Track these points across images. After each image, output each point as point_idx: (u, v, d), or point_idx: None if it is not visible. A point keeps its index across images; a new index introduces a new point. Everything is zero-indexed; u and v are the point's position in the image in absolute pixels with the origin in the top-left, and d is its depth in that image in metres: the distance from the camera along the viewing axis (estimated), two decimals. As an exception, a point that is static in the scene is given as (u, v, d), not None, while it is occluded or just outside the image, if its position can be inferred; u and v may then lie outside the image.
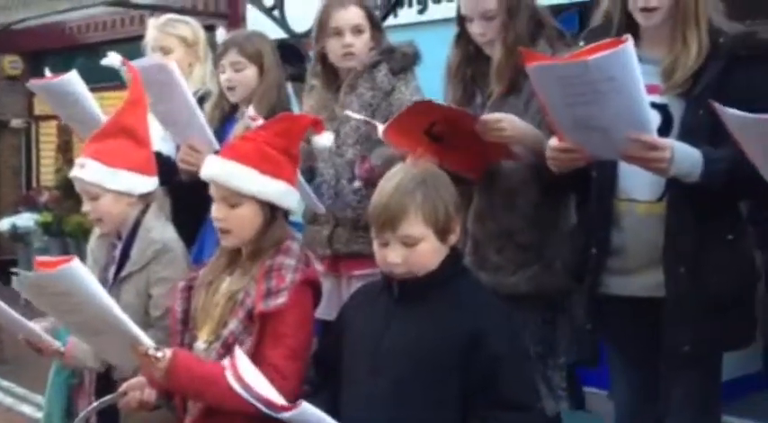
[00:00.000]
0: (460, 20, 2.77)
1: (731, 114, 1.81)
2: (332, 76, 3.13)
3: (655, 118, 2.23)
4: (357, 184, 3.01)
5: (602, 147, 2.18)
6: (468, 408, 2.06)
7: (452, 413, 2.05)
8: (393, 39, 3.26)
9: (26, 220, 10.18)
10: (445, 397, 2.06)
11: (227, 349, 2.22)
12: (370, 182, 2.79)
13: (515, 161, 2.59)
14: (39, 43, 11.06)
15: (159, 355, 2.15)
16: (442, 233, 2.12)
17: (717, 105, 1.83)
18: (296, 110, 3.51)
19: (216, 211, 2.33)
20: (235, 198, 2.30)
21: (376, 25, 3.13)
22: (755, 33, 2.30)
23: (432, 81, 2.97)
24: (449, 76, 2.83)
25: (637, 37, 2.30)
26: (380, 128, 2.57)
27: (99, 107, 3.23)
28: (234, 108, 3.34)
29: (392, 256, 2.12)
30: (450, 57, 2.83)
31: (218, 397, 2.12)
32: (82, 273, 2.08)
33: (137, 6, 7.38)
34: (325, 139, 2.54)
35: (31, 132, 12.45)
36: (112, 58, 3.08)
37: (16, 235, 10.14)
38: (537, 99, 2.51)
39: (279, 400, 1.99)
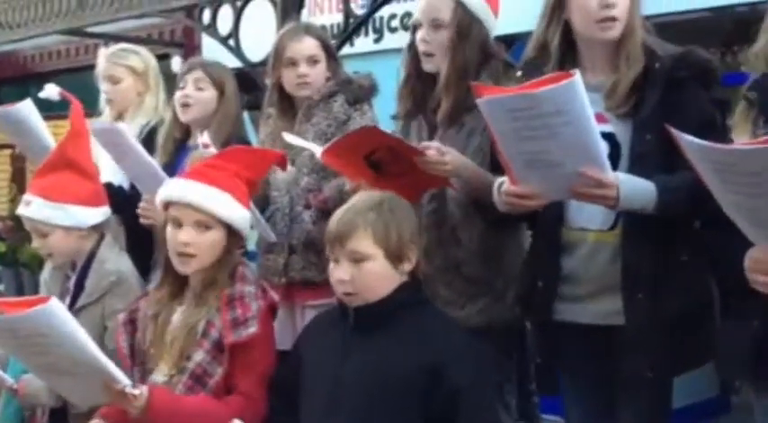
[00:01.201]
0: (414, 28, 2.76)
1: (688, 141, 1.76)
2: (288, 105, 3.15)
3: (602, 144, 2.20)
4: (311, 213, 3.01)
5: (553, 186, 2.16)
6: None
7: None
8: (349, 67, 3.29)
9: (-20, 249, 10.03)
10: None
11: (196, 381, 2.24)
12: (325, 212, 2.79)
13: (451, 189, 2.58)
14: (-8, 72, 10.99)
15: (136, 392, 2.15)
16: (393, 257, 2.12)
17: (673, 131, 1.79)
18: (253, 138, 3.53)
19: (184, 234, 2.30)
20: (209, 222, 2.30)
21: (332, 55, 3.16)
22: (693, 52, 2.28)
23: (386, 109, 2.98)
24: (398, 89, 2.83)
25: (576, 65, 2.31)
26: (318, 150, 2.56)
27: (52, 136, 3.23)
28: (186, 136, 3.35)
29: (339, 272, 2.13)
30: (402, 67, 2.82)
31: None
32: (61, 313, 2.06)
33: (91, 35, 7.36)
34: (288, 175, 2.55)
35: (-18, 161, 12.32)
36: (50, 90, 3.09)
37: (-30, 265, 9.97)
38: (478, 137, 2.55)
39: None
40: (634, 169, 2.22)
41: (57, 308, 2.05)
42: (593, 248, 2.32)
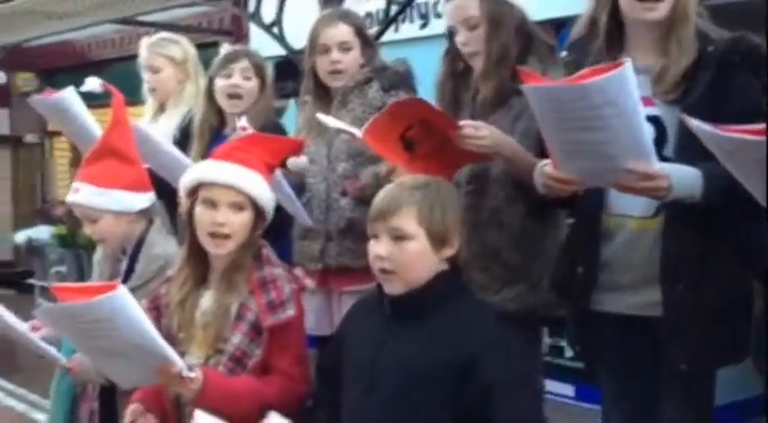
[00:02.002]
0: (450, 34, 2.78)
1: (697, 127, 1.74)
2: (323, 91, 3.18)
3: (648, 131, 2.13)
4: (347, 200, 3.04)
5: (597, 175, 2.11)
6: None
7: None
8: (394, 54, 3.31)
9: (41, 232, 10.34)
10: (438, 419, 2.03)
11: (237, 362, 2.31)
12: (362, 200, 2.84)
13: (493, 164, 2.56)
14: (51, 61, 11.24)
15: (193, 375, 2.20)
16: (436, 240, 2.09)
17: (685, 117, 1.76)
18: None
19: (220, 215, 2.32)
20: (244, 203, 2.34)
21: (366, 42, 3.17)
22: (745, 38, 2.20)
23: (431, 95, 2.94)
24: (436, 91, 2.86)
25: (622, 45, 2.28)
26: (359, 132, 2.57)
27: (99, 124, 3.31)
28: (221, 123, 3.42)
29: (378, 248, 2.10)
30: (438, 73, 2.85)
31: (243, 411, 2.20)
32: (127, 299, 2.09)
33: (143, 24, 7.53)
34: (301, 162, 2.59)
35: (44, 147, 12.64)
36: (91, 83, 3.16)
37: (32, 247, 10.30)
38: (525, 121, 2.50)
39: None
40: (680, 155, 2.16)
41: (124, 295, 2.08)
42: (633, 236, 2.27)
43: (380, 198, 2.14)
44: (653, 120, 2.19)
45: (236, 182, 2.34)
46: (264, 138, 2.54)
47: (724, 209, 2.13)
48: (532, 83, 2.03)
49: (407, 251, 2.08)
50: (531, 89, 2.03)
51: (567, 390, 4.89)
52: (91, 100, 3.38)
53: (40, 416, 5.84)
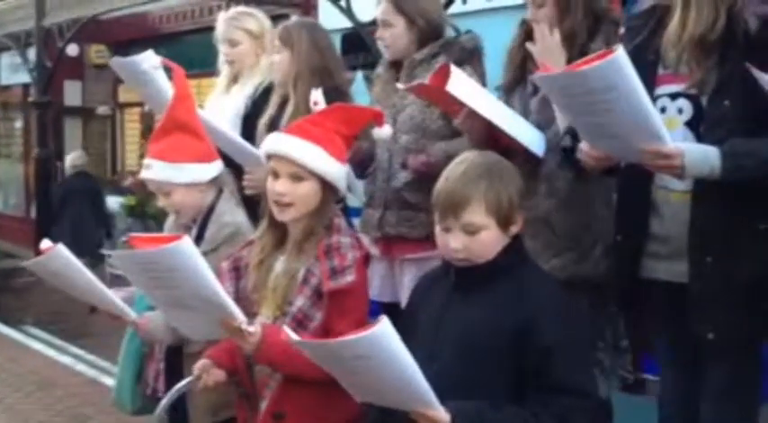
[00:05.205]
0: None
1: (761, 77, 1.76)
2: (393, 65, 3.25)
3: (687, 108, 2.27)
4: (407, 174, 3.10)
5: (622, 152, 2.23)
6: (522, 395, 2.05)
7: (504, 400, 2.05)
8: (462, 26, 3.35)
9: (112, 203, 10.60)
10: (497, 383, 2.07)
11: (298, 324, 2.36)
12: (426, 176, 2.86)
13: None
14: (124, 33, 11.46)
15: (252, 329, 2.28)
16: (503, 223, 2.14)
17: (753, 69, 1.77)
18: (365, 97, 3.64)
19: (280, 185, 2.41)
20: (302, 173, 2.40)
21: (409, 18, 3.17)
22: None
23: (497, 68, 3.01)
24: (506, 57, 2.90)
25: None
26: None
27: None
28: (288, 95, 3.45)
29: (453, 243, 2.14)
30: (511, 40, 2.89)
31: (300, 368, 2.24)
32: (191, 250, 2.20)
33: (215, -4, 7.64)
34: (384, 132, 2.65)
35: (116, 119, 12.92)
36: (150, 59, 3.21)
37: (102, 217, 10.55)
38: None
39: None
40: (709, 134, 2.23)
41: (188, 245, 2.18)
42: (676, 208, 2.34)
43: (447, 191, 2.16)
44: (690, 97, 2.28)
45: (293, 153, 2.41)
46: (340, 109, 2.57)
47: (757, 186, 2.18)
48: (541, 72, 2.15)
49: (481, 241, 2.14)
50: (539, 78, 2.14)
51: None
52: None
53: (110, 381, 5.98)
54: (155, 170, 2.86)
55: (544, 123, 2.68)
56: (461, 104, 2.62)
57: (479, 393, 2.04)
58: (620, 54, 1.98)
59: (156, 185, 2.89)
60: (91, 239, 9.18)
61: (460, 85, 2.59)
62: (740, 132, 2.20)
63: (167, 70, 3.05)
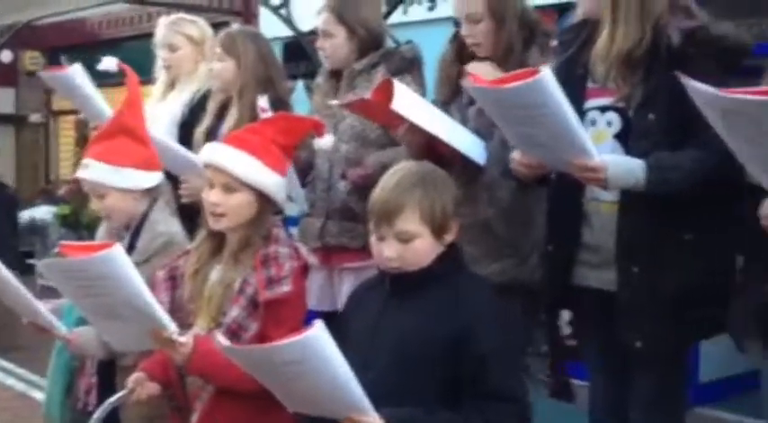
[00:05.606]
0: (457, 22, 2.83)
1: (695, 88, 1.77)
2: (333, 74, 3.25)
3: (616, 121, 2.33)
4: (346, 184, 3.11)
5: (554, 161, 2.27)
6: (456, 402, 2.06)
7: (437, 407, 2.05)
8: (402, 36, 3.37)
9: (44, 212, 10.39)
10: (429, 391, 2.08)
11: (232, 335, 2.32)
12: (363, 187, 2.86)
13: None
14: (59, 39, 11.27)
15: (183, 340, 2.25)
16: (438, 231, 2.15)
17: (683, 78, 1.79)
18: (305, 106, 3.62)
19: (213, 195, 2.40)
20: (234, 185, 2.39)
21: (350, 28, 3.18)
22: (703, 29, 2.26)
23: None
24: (437, 74, 2.93)
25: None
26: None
27: (105, 101, 3.32)
28: (227, 103, 3.43)
29: (387, 252, 2.15)
30: (442, 55, 2.92)
31: (232, 380, 2.22)
32: (123, 258, 2.17)
33: (153, 3, 7.56)
34: (326, 142, 2.62)
35: (49, 127, 12.67)
36: (108, 63, 3.17)
37: (35, 227, 10.34)
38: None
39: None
40: (636, 146, 2.27)
41: (119, 253, 2.14)
42: (606, 219, 2.38)
43: (381, 200, 2.17)
44: (619, 111, 2.32)
45: (226, 164, 2.40)
46: (280, 119, 2.55)
47: (683, 198, 2.23)
48: (472, 82, 2.19)
49: (414, 249, 2.14)
50: (472, 90, 2.21)
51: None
52: (104, 79, 3.39)
53: (40, 395, 5.85)
54: (92, 170, 2.80)
55: (483, 130, 2.70)
56: (403, 119, 2.61)
57: (412, 401, 2.05)
58: (545, 74, 2.01)
59: (91, 186, 2.83)
60: (13, 250, 8.91)
61: (405, 101, 2.60)
62: (665, 145, 2.25)
63: (122, 75, 3.00)
